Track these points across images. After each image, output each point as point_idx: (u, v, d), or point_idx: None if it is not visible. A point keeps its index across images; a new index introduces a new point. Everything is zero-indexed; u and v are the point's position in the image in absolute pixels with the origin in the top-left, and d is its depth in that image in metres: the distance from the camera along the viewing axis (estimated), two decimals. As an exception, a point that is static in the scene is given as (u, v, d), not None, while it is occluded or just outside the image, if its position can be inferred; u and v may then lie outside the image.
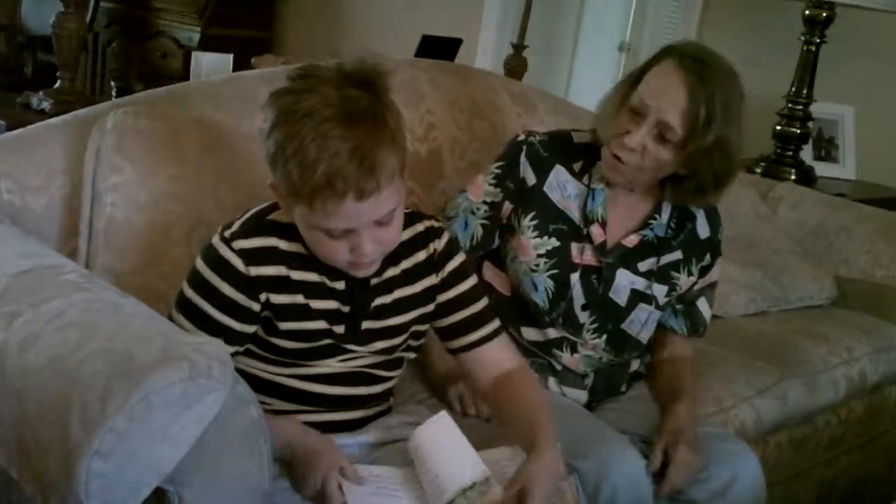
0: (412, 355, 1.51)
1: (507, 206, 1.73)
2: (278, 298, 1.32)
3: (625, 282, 1.71)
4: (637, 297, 1.72)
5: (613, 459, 1.55)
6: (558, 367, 1.74)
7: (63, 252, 1.55)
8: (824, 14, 3.08)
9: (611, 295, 1.71)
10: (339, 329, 1.37)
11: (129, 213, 1.57)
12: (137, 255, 1.57)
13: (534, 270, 1.70)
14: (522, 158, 1.72)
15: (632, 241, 1.71)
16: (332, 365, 1.39)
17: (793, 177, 3.12)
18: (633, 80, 1.65)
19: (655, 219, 1.72)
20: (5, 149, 1.62)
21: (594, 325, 1.72)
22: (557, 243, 1.69)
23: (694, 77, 1.56)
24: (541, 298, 1.70)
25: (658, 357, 1.84)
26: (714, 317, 2.30)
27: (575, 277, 1.69)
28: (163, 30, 4.85)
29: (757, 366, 2.09)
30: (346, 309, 1.37)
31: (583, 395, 1.75)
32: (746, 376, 2.04)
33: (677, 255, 1.74)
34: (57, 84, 2.90)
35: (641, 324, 1.73)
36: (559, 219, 1.70)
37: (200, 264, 1.33)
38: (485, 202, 1.74)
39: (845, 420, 2.30)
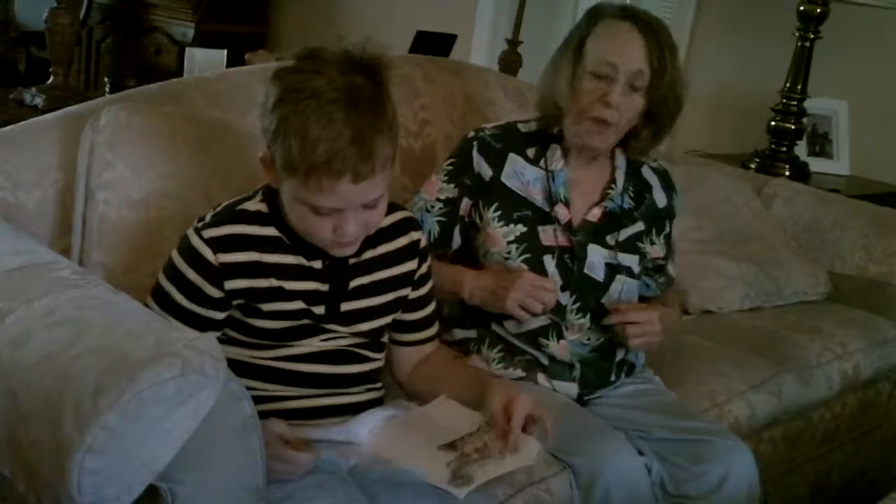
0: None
1: (466, 202, 1.76)
2: (249, 283, 1.36)
3: (598, 257, 1.74)
4: (613, 270, 1.74)
5: (608, 455, 1.55)
6: (545, 361, 1.75)
7: (56, 249, 1.55)
8: (818, 10, 3.08)
9: (587, 271, 1.73)
10: (319, 310, 1.40)
11: (121, 210, 1.57)
12: (130, 252, 1.57)
13: (507, 258, 1.72)
14: (475, 153, 1.75)
15: (595, 214, 1.75)
16: (314, 344, 1.42)
17: (787, 172, 3.12)
18: (575, 50, 1.70)
19: (612, 188, 1.76)
20: (-2, 145, 1.62)
21: (576, 305, 1.73)
22: (524, 229, 1.72)
23: (642, 26, 1.64)
24: None
25: None
26: (708, 312, 2.34)
27: (549, 259, 1.71)
28: (157, 25, 4.83)
29: (751, 361, 2.10)
30: (324, 288, 1.40)
31: (573, 388, 1.75)
32: (740, 371, 2.04)
33: (640, 226, 1.78)
34: (50, 80, 2.89)
35: (621, 295, 1.76)
36: (522, 205, 1.73)
37: (174, 254, 1.38)
38: (439, 199, 1.77)
39: (839, 415, 2.30)
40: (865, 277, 2.56)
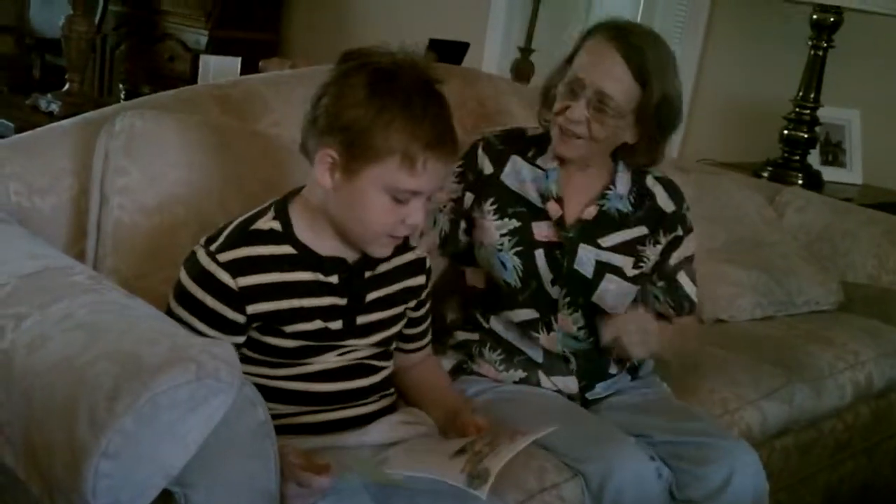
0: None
1: (469, 197, 1.79)
2: (270, 306, 1.34)
3: (588, 255, 1.75)
4: (602, 268, 1.75)
5: (617, 460, 1.55)
6: (540, 359, 1.76)
7: (71, 253, 1.56)
8: (832, 19, 3.08)
9: (576, 267, 1.74)
10: (337, 325, 1.40)
11: (135, 216, 1.58)
12: (144, 258, 1.58)
13: (499, 250, 1.74)
14: (480, 152, 1.80)
15: (590, 213, 1.76)
16: (330, 360, 1.42)
17: (800, 181, 3.12)
18: (567, 60, 1.73)
19: (611, 188, 1.78)
20: (14, 150, 1.63)
21: (567, 300, 1.75)
22: (518, 223, 1.75)
23: (624, 45, 1.65)
24: (511, 277, 1.74)
25: None
26: (719, 320, 2.33)
27: (539, 254, 1.74)
28: (170, 32, 4.87)
29: (763, 369, 2.09)
30: (342, 302, 1.41)
31: (572, 382, 1.76)
32: (752, 379, 2.04)
33: (642, 230, 1.79)
34: (65, 86, 2.92)
35: (612, 295, 1.75)
36: (518, 202, 1.77)
37: (186, 279, 1.34)
38: (450, 199, 1.80)
39: (851, 425, 2.30)
40: (878, 287, 2.56)
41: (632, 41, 1.66)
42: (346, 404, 1.45)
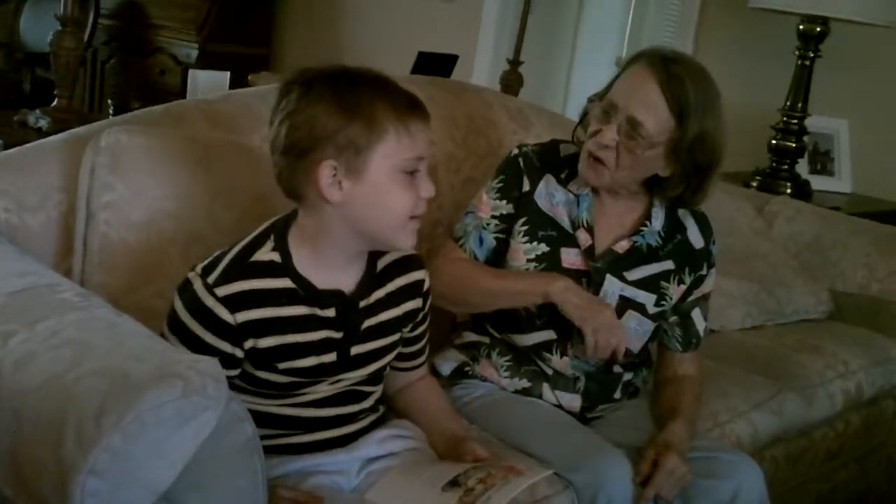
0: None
1: (512, 212, 1.76)
2: (267, 342, 1.34)
3: (614, 288, 1.72)
4: (625, 303, 1.73)
5: (609, 472, 1.55)
6: (549, 372, 1.75)
7: (60, 270, 1.56)
8: (818, 29, 3.10)
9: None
10: (330, 357, 1.39)
11: (122, 232, 1.58)
12: (132, 274, 1.58)
13: None
14: (522, 168, 1.76)
15: (622, 246, 1.73)
16: (321, 389, 1.42)
17: (789, 190, 3.13)
18: (608, 86, 1.71)
19: (647, 225, 1.74)
20: (2, 167, 1.62)
21: None
22: (547, 248, 1.72)
23: (663, 74, 1.61)
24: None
25: (660, 377, 1.85)
26: (710, 331, 2.33)
27: None
28: (161, 46, 4.86)
29: (753, 380, 2.10)
30: (338, 336, 1.39)
31: (576, 401, 1.76)
32: (742, 390, 2.04)
33: (668, 264, 1.75)
34: (54, 102, 2.91)
35: (631, 332, 1.74)
36: (548, 225, 1.74)
37: (182, 311, 1.32)
38: (493, 216, 1.77)
39: (842, 433, 2.30)
40: (867, 295, 2.56)
41: (673, 71, 1.61)
42: (336, 427, 1.45)
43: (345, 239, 1.36)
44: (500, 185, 1.77)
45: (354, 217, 1.33)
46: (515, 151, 1.79)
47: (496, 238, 1.77)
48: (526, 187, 1.75)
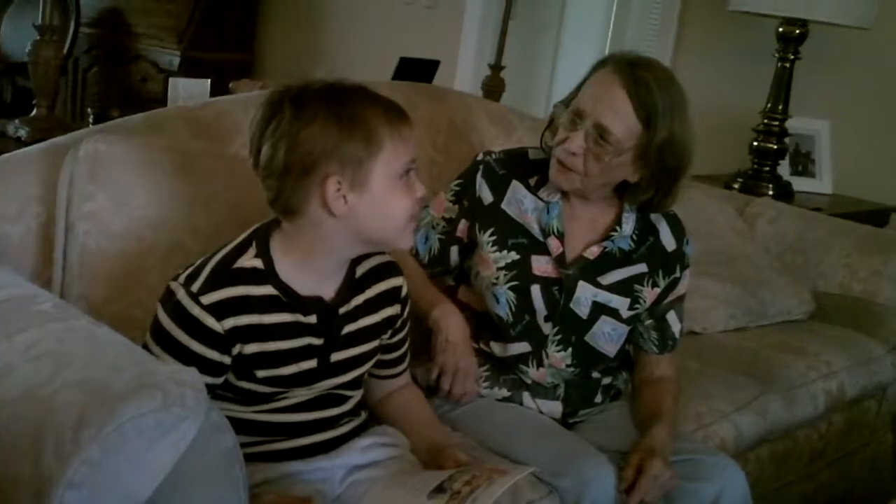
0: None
1: (464, 224, 1.77)
2: (251, 348, 1.34)
3: (586, 294, 1.72)
4: (599, 309, 1.73)
5: (592, 476, 1.55)
6: (528, 381, 1.76)
7: (39, 282, 1.55)
8: (797, 31, 3.12)
9: (572, 306, 1.72)
10: (311, 363, 1.39)
11: (102, 242, 1.57)
12: (112, 283, 1.57)
13: (494, 283, 1.72)
14: (479, 178, 1.76)
15: (593, 252, 1.73)
16: (300, 393, 1.42)
17: (770, 192, 3.15)
18: (575, 91, 1.70)
19: (616, 230, 1.74)
20: (-20, 178, 1.62)
21: (558, 337, 1.73)
22: (517, 256, 1.72)
23: (629, 79, 1.60)
24: (504, 311, 1.72)
25: (638, 379, 1.85)
26: (693, 333, 2.34)
27: (536, 289, 1.71)
28: (142, 54, 4.85)
29: (736, 381, 2.10)
30: (318, 342, 1.40)
31: (557, 407, 1.76)
32: (726, 392, 2.04)
33: (641, 267, 1.75)
34: (34, 112, 2.89)
35: (606, 337, 1.74)
36: (518, 233, 1.73)
37: (167, 321, 1.31)
38: (444, 218, 1.79)
39: (825, 434, 2.31)
40: (849, 296, 2.58)
41: (639, 76, 1.60)
42: (317, 432, 1.45)
43: (343, 248, 1.38)
44: (457, 188, 1.78)
45: (358, 227, 1.34)
46: (479, 157, 1.79)
47: (439, 240, 1.78)
48: (489, 199, 1.74)
